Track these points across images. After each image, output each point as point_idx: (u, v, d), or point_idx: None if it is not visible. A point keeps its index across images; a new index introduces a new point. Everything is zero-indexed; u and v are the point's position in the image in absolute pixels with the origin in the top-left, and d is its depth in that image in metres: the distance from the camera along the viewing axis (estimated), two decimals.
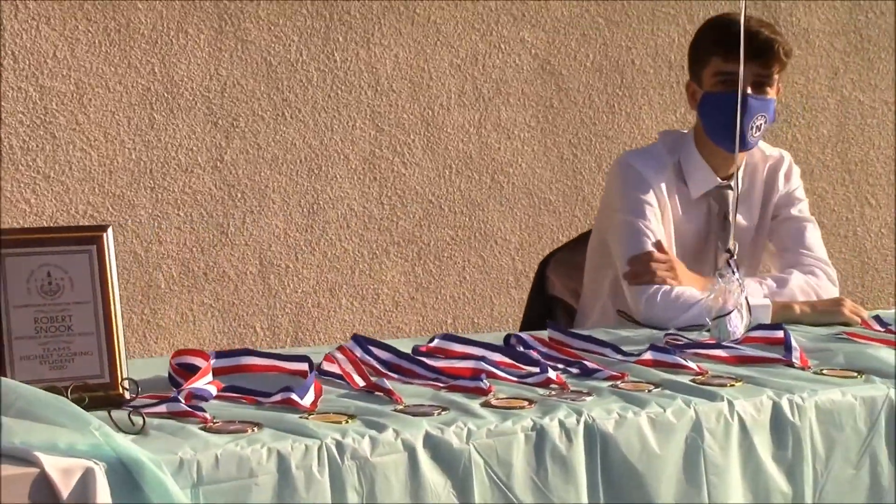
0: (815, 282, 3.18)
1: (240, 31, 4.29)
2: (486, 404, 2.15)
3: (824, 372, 2.43)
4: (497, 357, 2.50)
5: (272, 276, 4.39)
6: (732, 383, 2.32)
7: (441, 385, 2.29)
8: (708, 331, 2.82)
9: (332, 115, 4.45)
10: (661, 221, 3.19)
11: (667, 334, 2.76)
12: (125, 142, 4.16)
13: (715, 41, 3.15)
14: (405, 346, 2.50)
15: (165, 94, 4.20)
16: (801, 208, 3.35)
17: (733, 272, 2.83)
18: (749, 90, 3.14)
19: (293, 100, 4.39)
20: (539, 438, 2.05)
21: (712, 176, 3.25)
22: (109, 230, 2.26)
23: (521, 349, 2.62)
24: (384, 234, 4.55)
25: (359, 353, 2.47)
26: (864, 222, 5.42)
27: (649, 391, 2.25)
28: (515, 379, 2.34)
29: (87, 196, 4.12)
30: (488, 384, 2.25)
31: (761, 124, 3.17)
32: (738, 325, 2.80)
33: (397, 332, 4.58)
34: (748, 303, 2.84)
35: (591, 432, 2.09)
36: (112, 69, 4.12)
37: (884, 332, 2.89)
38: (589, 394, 2.23)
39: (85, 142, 4.11)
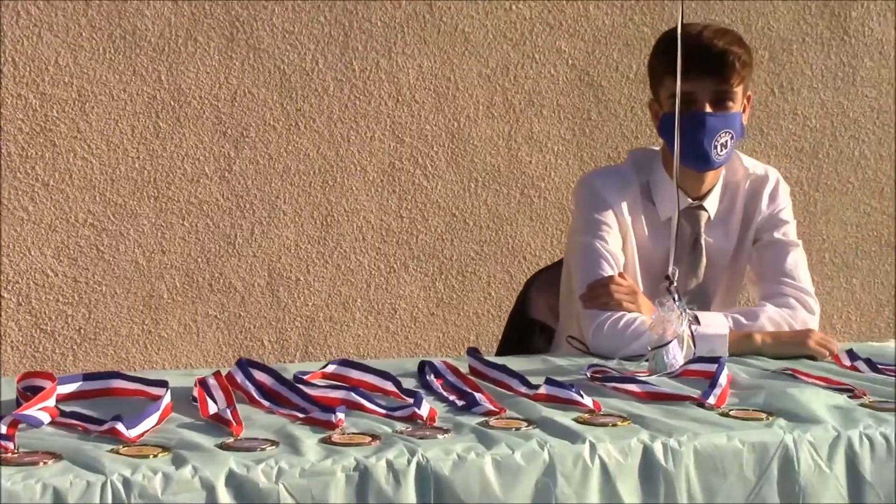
0: (790, 314, 2.94)
1: (252, 38, 4.19)
2: (325, 440, 2.00)
3: (731, 413, 2.21)
4: (389, 387, 2.36)
5: (281, 289, 4.28)
6: (616, 423, 2.12)
7: (299, 416, 2.14)
8: (647, 361, 2.61)
9: (349, 125, 4.32)
10: (623, 243, 2.99)
11: (590, 366, 2.56)
12: (128, 150, 4.10)
13: (666, 60, 2.93)
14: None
15: (172, 103, 4.13)
16: (787, 231, 3.10)
17: (674, 300, 2.61)
18: (707, 108, 2.92)
19: (308, 109, 4.27)
20: (362, 479, 1.89)
21: (682, 197, 3.03)
22: None
23: (429, 377, 2.47)
24: (403, 247, 4.41)
25: (240, 378, 2.34)
26: None
27: (517, 429, 2.07)
28: (383, 412, 2.18)
29: (88, 204, 4.07)
30: (339, 417, 2.09)
31: (727, 141, 2.95)
32: (677, 356, 2.59)
33: (415, 349, 4.44)
34: (692, 332, 2.63)
35: (424, 474, 1.92)
36: (116, 77, 4.07)
37: (848, 368, 2.65)
38: (447, 430, 2.06)
39: (86, 150, 4.06)
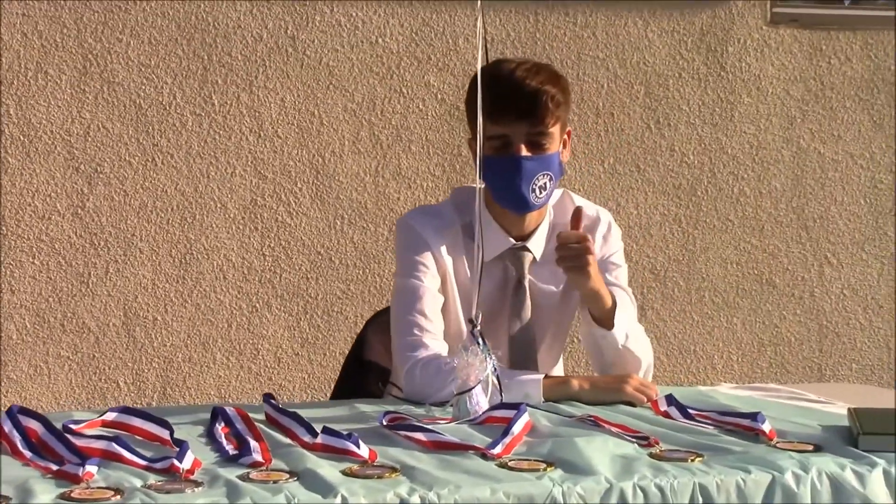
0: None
1: (106, 71, 4.10)
2: (64, 496, 1.91)
3: (509, 464, 2.13)
4: (165, 435, 2.26)
5: (138, 329, 4.18)
6: (383, 475, 2.03)
7: (51, 469, 2.05)
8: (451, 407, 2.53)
9: (208, 161, 4.23)
10: (443, 284, 2.91)
11: (386, 413, 2.47)
12: None
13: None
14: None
15: (21, 137, 4.03)
16: (618, 275, 3.02)
17: (478, 344, 2.53)
18: (523, 150, 2.84)
19: (165, 144, 4.18)
20: None
21: (505, 237, 2.95)
22: None
23: (216, 426, 2.37)
24: (266, 286, 4.31)
25: (7, 427, 2.24)
26: (822, 283, 5.03)
27: (275, 482, 1.98)
28: (143, 464, 2.08)
29: None
30: (86, 471, 1.99)
31: (545, 183, 2.86)
32: (480, 402, 2.50)
33: (279, 390, 4.34)
34: (497, 378, 2.55)
35: None
36: None
37: (661, 414, 2.57)
38: (200, 484, 1.97)
39: None
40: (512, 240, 2.95)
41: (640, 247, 4.80)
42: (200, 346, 4.25)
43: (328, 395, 3.52)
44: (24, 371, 4.05)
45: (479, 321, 2.56)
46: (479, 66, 2.58)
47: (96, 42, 4.08)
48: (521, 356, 2.94)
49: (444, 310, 2.91)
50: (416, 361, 2.75)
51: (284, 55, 4.29)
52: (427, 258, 2.89)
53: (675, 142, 4.81)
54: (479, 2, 2.59)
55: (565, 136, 2.92)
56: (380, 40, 4.41)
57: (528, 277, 2.96)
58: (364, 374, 3.26)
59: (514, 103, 2.79)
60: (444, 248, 2.91)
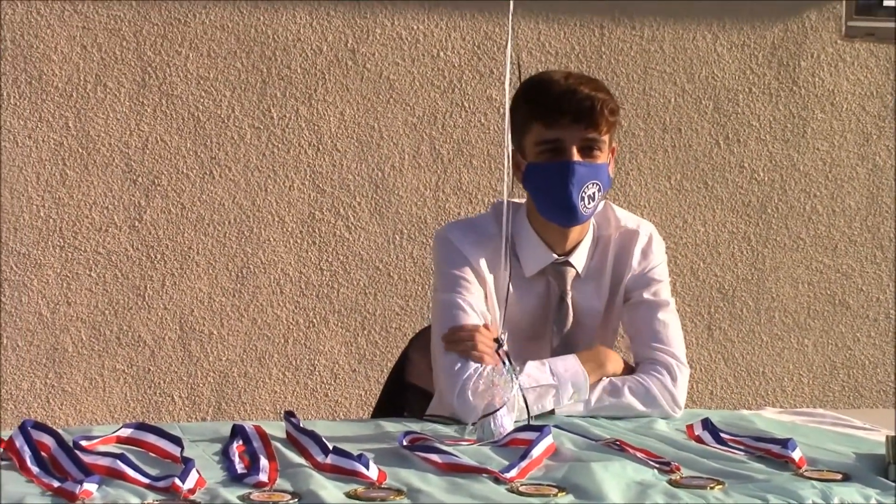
0: (655, 383, 2.75)
1: (165, 84, 4.10)
2: None
3: (520, 489, 2.07)
4: (177, 453, 2.24)
5: (193, 343, 4.17)
6: (387, 498, 1.98)
7: (53, 486, 2.03)
8: (473, 424, 2.46)
9: (266, 174, 4.22)
10: (483, 299, 2.84)
11: (408, 433, 2.41)
12: (33, 198, 4.02)
13: (531, 107, 2.79)
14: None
15: (80, 150, 4.04)
16: (658, 290, 2.92)
17: (503, 364, 2.47)
18: (576, 156, 2.77)
19: (223, 157, 4.17)
20: None
21: (547, 252, 2.88)
22: None
23: (233, 444, 2.33)
24: (323, 301, 4.28)
25: (19, 442, 2.22)
26: None
27: (276, 503, 1.94)
28: (145, 482, 2.06)
29: None
30: (83, 489, 1.97)
31: (594, 193, 2.79)
32: (504, 424, 2.44)
33: (335, 406, 4.30)
34: (524, 397, 2.48)
35: None
36: (21, 122, 3.99)
37: (694, 438, 2.49)
38: None
39: None
40: (554, 255, 2.88)
41: (708, 265, 4.70)
42: (256, 361, 4.24)
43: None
44: (79, 384, 4.07)
45: (506, 341, 2.51)
46: (506, 75, 2.53)
47: (155, 55, 4.09)
48: None
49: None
50: (465, 378, 2.66)
51: (344, 68, 4.27)
52: (467, 272, 2.81)
53: (745, 158, 4.71)
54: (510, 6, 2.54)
55: (611, 152, 2.84)
56: (441, 54, 4.37)
57: (570, 293, 2.89)
58: (403, 397, 3.21)
59: (570, 107, 2.72)
60: (483, 263, 2.84)
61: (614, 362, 2.78)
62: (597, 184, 2.78)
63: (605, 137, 2.79)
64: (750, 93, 4.68)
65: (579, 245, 2.89)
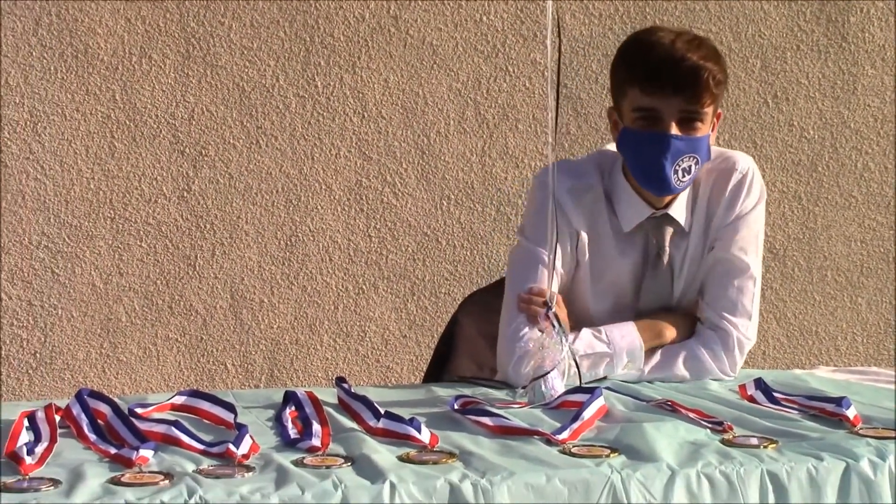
0: (710, 356, 2.70)
1: (209, 55, 4.11)
2: (113, 480, 1.90)
3: (572, 450, 2.06)
4: (230, 419, 2.25)
5: (245, 311, 4.19)
6: (440, 461, 1.99)
7: (110, 453, 2.05)
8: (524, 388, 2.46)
9: (312, 143, 4.22)
10: (573, 251, 2.74)
11: (458, 397, 2.42)
12: (83, 171, 4.04)
13: (631, 69, 2.67)
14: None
15: (127, 122, 4.06)
16: (744, 247, 2.75)
17: (553, 326, 2.46)
18: (673, 128, 2.64)
19: (269, 127, 4.18)
20: None
21: (644, 207, 2.75)
22: None
23: (285, 410, 2.34)
24: (372, 267, 4.29)
25: (76, 410, 2.24)
26: None
27: (328, 467, 1.95)
28: (200, 447, 2.07)
29: (42, 227, 4.02)
30: (139, 455, 1.99)
31: (690, 166, 2.66)
32: (556, 386, 2.44)
33: (387, 372, 4.32)
34: (575, 358, 2.48)
35: None
36: (69, 96, 4.01)
37: (747, 398, 2.48)
38: (251, 469, 1.95)
39: (39, 171, 4.01)
40: (651, 209, 2.76)
41: None
42: (307, 329, 4.25)
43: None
44: (133, 353, 4.10)
45: (555, 302, 2.49)
46: (548, 36, 2.49)
47: (199, 26, 4.10)
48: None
49: (575, 280, 2.78)
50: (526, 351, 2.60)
51: (387, 35, 4.26)
52: (560, 221, 2.65)
53: (794, 116, 4.66)
54: None
55: (714, 120, 2.72)
56: (484, 18, 4.35)
57: (668, 250, 2.78)
58: (455, 358, 3.21)
59: (671, 76, 2.60)
60: (580, 214, 2.74)
61: (672, 332, 2.74)
62: (695, 157, 2.66)
63: (709, 109, 2.65)
64: (798, 50, 4.64)
65: (677, 198, 2.76)
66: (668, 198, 2.77)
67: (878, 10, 4.68)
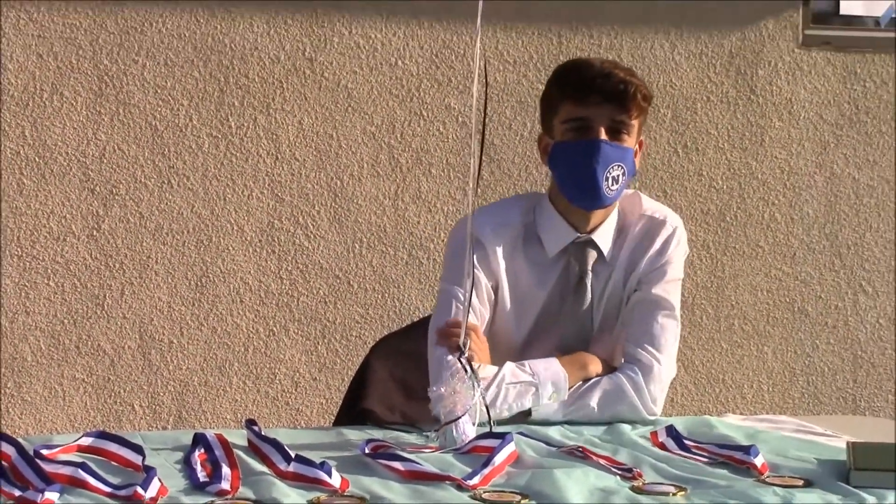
0: (621, 385, 2.73)
1: (122, 93, 4.08)
2: None
3: (483, 496, 2.07)
4: (137, 461, 2.23)
5: (153, 352, 4.15)
6: None
7: (14, 496, 2.01)
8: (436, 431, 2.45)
9: (225, 183, 4.20)
10: (489, 290, 2.79)
11: (370, 441, 2.41)
12: None
13: (563, 88, 2.79)
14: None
15: (37, 159, 4.02)
16: (667, 289, 2.82)
17: (465, 370, 2.47)
18: (603, 135, 2.74)
19: (181, 167, 4.15)
20: None
21: (570, 231, 2.82)
22: None
23: (194, 452, 2.32)
24: (283, 309, 4.27)
25: None
26: (857, 312, 4.91)
27: None
28: (107, 490, 2.04)
29: None
30: (45, 498, 1.96)
31: (619, 175, 2.74)
32: (467, 431, 2.44)
33: (297, 415, 4.29)
34: (486, 403, 2.48)
35: None
36: None
37: (658, 445, 2.49)
38: None
39: None
40: (577, 233, 2.82)
41: None
42: (217, 370, 4.22)
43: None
44: (38, 393, 4.04)
45: (468, 347, 2.50)
46: (474, 74, 2.52)
47: (112, 63, 4.07)
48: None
49: (494, 319, 2.81)
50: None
51: (302, 77, 4.26)
52: (479, 262, 2.72)
53: (704, 166, 4.73)
54: (478, 20, 2.53)
55: (638, 143, 2.81)
56: (399, 62, 4.37)
57: (589, 275, 2.83)
58: (366, 401, 3.20)
59: (602, 87, 2.72)
60: (499, 251, 2.81)
61: (596, 365, 2.77)
62: (622, 167, 2.74)
63: (635, 122, 2.76)
64: (708, 101, 4.71)
65: (603, 224, 2.83)
66: (594, 222, 2.83)
67: (786, 63, 4.77)
